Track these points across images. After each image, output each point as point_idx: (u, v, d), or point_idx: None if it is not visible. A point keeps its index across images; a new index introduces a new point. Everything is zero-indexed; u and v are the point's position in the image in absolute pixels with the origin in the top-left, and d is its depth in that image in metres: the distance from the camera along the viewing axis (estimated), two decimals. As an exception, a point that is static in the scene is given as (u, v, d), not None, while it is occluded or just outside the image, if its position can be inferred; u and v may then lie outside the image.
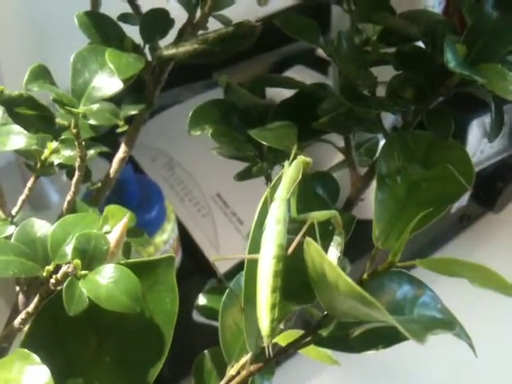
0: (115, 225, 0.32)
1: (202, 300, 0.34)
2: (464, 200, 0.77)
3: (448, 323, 0.26)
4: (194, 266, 0.66)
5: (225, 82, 0.35)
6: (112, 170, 0.35)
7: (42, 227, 0.24)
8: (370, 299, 0.17)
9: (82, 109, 0.27)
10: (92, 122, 0.33)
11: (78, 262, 0.22)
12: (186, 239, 0.67)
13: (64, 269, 0.23)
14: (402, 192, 0.28)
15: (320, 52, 0.86)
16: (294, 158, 0.27)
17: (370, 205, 0.62)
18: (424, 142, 0.30)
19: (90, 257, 0.23)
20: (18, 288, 0.32)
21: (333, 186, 0.32)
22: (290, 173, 0.25)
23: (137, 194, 0.57)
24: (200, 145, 0.71)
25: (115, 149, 0.39)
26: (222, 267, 0.65)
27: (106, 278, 0.22)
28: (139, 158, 0.72)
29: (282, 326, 0.32)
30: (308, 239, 0.20)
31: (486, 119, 0.73)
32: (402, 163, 0.28)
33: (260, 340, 0.26)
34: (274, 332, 0.23)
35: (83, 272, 0.22)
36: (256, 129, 0.31)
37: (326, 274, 0.19)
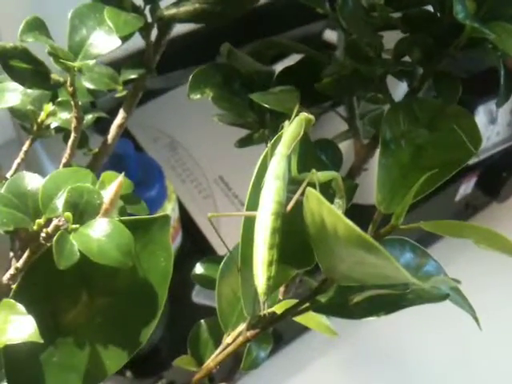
0: (113, 190, 0.31)
1: (199, 269, 0.33)
2: (469, 188, 0.76)
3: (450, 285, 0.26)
4: (195, 248, 0.65)
5: (227, 49, 0.34)
6: (110, 137, 0.34)
7: (32, 180, 0.23)
8: (373, 242, 0.16)
9: (77, 63, 0.26)
10: (90, 85, 0.32)
11: (68, 215, 0.22)
12: (187, 221, 0.66)
13: (55, 222, 0.22)
14: (406, 156, 0.27)
15: (326, 36, 0.85)
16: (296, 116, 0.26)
17: (372, 189, 0.61)
18: (430, 108, 0.29)
19: (82, 211, 0.22)
20: (11, 254, 0.32)
21: (335, 154, 0.31)
22: (291, 129, 0.24)
23: (137, 171, 0.56)
24: (202, 126, 0.70)
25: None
26: (224, 250, 0.64)
27: (98, 232, 0.21)
28: (141, 139, 0.71)
29: (280, 297, 0.31)
30: (309, 189, 0.19)
31: (493, 105, 0.72)
32: (406, 127, 0.27)
33: (257, 305, 0.26)
34: (270, 290, 0.22)
35: (74, 226, 0.22)
36: (258, 93, 0.30)
37: (324, 223, 0.18)
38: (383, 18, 0.30)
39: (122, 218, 0.23)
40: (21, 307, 0.19)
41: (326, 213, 0.18)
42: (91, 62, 0.27)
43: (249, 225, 0.24)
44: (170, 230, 0.62)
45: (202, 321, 0.32)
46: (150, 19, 0.32)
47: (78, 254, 0.21)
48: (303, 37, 0.84)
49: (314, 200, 0.19)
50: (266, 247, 0.22)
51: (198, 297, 0.61)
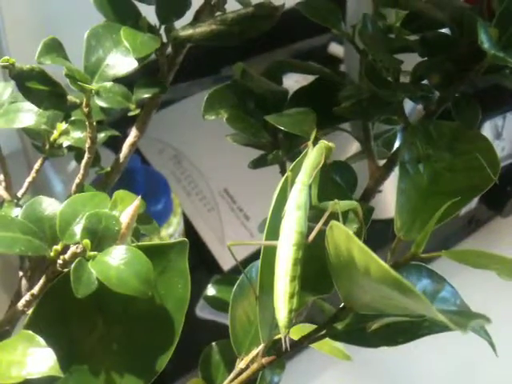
0: (124, 210, 0.31)
1: (211, 291, 0.32)
2: (473, 203, 0.76)
3: (480, 316, 0.25)
4: (199, 261, 0.65)
5: (240, 69, 0.34)
6: (122, 155, 0.34)
7: (50, 205, 0.23)
8: (409, 285, 0.16)
9: (94, 85, 0.26)
10: (103, 104, 0.32)
11: (87, 242, 0.21)
12: (191, 234, 0.65)
13: (73, 249, 0.22)
14: (425, 181, 0.27)
15: (331, 50, 0.85)
16: (313, 144, 0.26)
17: (384, 204, 0.61)
18: (447, 131, 0.29)
19: (100, 237, 0.22)
20: (21, 273, 0.31)
21: (350, 176, 0.31)
22: (312, 157, 0.24)
23: (143, 185, 0.56)
24: (208, 139, 0.70)
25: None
26: (228, 264, 0.64)
27: (117, 260, 0.21)
28: (146, 151, 0.71)
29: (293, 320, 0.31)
30: (333, 222, 0.19)
31: (499, 121, 0.72)
32: (424, 151, 0.27)
33: (273, 331, 0.25)
34: (291, 323, 0.22)
35: (92, 253, 0.21)
36: (273, 114, 0.30)
37: (353, 259, 0.18)
38: (400, 41, 0.30)
39: (139, 244, 0.23)
40: (40, 339, 0.19)
41: (357, 251, 0.17)
42: (109, 85, 0.27)
43: (268, 253, 0.23)
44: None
45: (214, 343, 0.31)
46: (164, 38, 0.32)
47: (96, 282, 0.21)
48: (308, 50, 0.84)
49: (341, 235, 0.18)
50: (288, 279, 0.22)
51: (203, 311, 0.60)
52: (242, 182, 0.66)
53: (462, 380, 0.66)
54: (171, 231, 0.59)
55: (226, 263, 0.64)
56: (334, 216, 0.24)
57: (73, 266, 0.21)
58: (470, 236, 0.80)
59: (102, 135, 0.34)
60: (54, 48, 0.26)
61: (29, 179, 0.31)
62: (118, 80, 0.30)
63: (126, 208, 0.31)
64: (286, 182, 0.24)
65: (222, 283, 0.33)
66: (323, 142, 0.24)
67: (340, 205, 0.23)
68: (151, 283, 0.21)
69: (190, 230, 0.66)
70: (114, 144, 0.36)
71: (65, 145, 0.32)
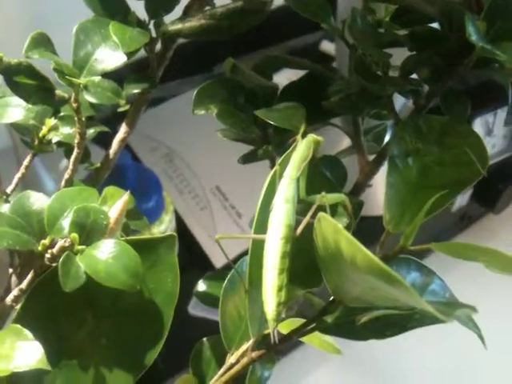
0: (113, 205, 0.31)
1: (201, 286, 0.32)
2: (465, 199, 0.76)
3: (467, 306, 0.25)
4: (191, 259, 0.65)
5: (231, 64, 0.34)
6: (111, 151, 0.34)
7: (38, 200, 0.23)
8: (394, 275, 0.16)
9: (83, 80, 0.26)
10: (93, 99, 0.32)
11: (75, 236, 0.21)
12: (183, 231, 0.65)
13: (60, 243, 0.22)
14: (414, 175, 0.27)
15: (323, 47, 0.85)
16: (304, 137, 0.26)
17: (375, 200, 0.61)
18: (437, 126, 0.29)
19: (89, 231, 0.22)
20: (11, 270, 0.31)
21: (340, 171, 0.31)
22: (300, 151, 0.24)
23: (134, 182, 0.56)
24: (200, 137, 0.70)
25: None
26: (220, 261, 0.64)
27: (105, 253, 0.21)
28: (138, 149, 0.71)
29: (283, 315, 0.31)
30: (322, 214, 0.19)
31: (490, 118, 0.73)
32: (414, 145, 0.27)
33: (263, 326, 0.25)
34: (279, 316, 0.22)
35: (80, 247, 0.21)
36: (263, 109, 0.30)
37: (341, 250, 0.18)
38: (389, 35, 0.30)
39: (128, 238, 0.23)
40: (28, 333, 0.19)
41: (345, 242, 0.17)
42: (97, 79, 0.26)
43: (257, 246, 0.23)
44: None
45: (205, 339, 0.31)
46: (154, 33, 0.32)
47: (85, 276, 0.21)
48: (300, 48, 0.84)
49: (328, 227, 0.18)
50: (276, 272, 0.22)
51: (195, 309, 0.60)
52: (234, 180, 0.66)
53: (452, 373, 0.66)
54: (163, 228, 0.59)
55: (218, 261, 0.64)
56: (322, 209, 0.24)
57: (61, 259, 0.21)
58: (462, 232, 0.81)
59: (91, 131, 0.33)
60: (42, 42, 0.25)
61: (18, 175, 0.31)
62: (107, 76, 0.29)
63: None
64: (275, 176, 0.24)
65: (213, 279, 0.33)
66: (311, 136, 0.24)
67: (328, 198, 0.23)
68: (139, 277, 0.21)
69: (182, 227, 0.65)
70: (104, 140, 0.36)
71: (54, 140, 0.32)
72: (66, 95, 0.27)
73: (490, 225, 0.81)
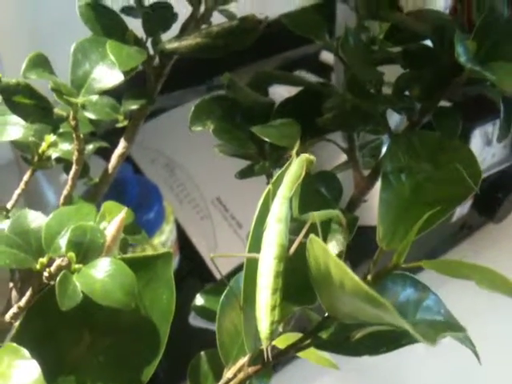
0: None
1: (199, 300, 0.33)
2: (465, 209, 0.76)
3: (456, 326, 0.26)
4: (192, 269, 0.65)
5: (227, 79, 0.35)
6: (110, 166, 0.34)
7: (36, 219, 0.23)
8: (379, 299, 0.16)
9: (80, 99, 0.27)
10: (91, 116, 0.32)
11: (72, 255, 0.22)
12: (184, 242, 0.66)
13: (58, 262, 0.22)
14: (407, 191, 0.27)
15: (323, 57, 0.85)
16: (297, 156, 0.26)
17: (373, 210, 0.61)
18: (430, 142, 0.29)
19: (85, 250, 0.22)
20: (11, 285, 0.31)
21: (336, 186, 0.31)
22: (292, 170, 0.24)
23: (136, 194, 0.56)
24: (200, 147, 0.70)
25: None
26: (221, 270, 0.64)
27: (102, 272, 0.21)
28: (139, 160, 0.72)
29: (280, 329, 0.31)
30: (312, 236, 0.20)
31: (489, 128, 0.73)
32: (407, 162, 0.27)
33: (258, 342, 0.26)
34: (273, 335, 0.22)
35: (77, 266, 0.22)
36: (258, 126, 0.30)
37: (330, 273, 0.18)
38: (383, 53, 0.30)
39: (124, 256, 0.24)
40: (25, 352, 0.19)
41: (333, 265, 0.18)
42: (94, 98, 0.27)
43: (251, 265, 0.24)
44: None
45: (202, 353, 0.32)
46: (151, 51, 0.32)
47: (81, 295, 0.21)
48: (300, 58, 0.85)
49: (319, 249, 0.19)
50: (270, 292, 0.22)
51: (196, 320, 0.61)
52: (235, 191, 0.66)
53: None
54: (164, 239, 0.59)
55: (218, 273, 0.64)
56: (316, 227, 0.25)
57: (58, 278, 0.21)
58: (462, 242, 0.81)
59: (90, 147, 0.34)
60: (40, 63, 0.26)
61: (18, 191, 0.32)
62: (106, 91, 0.30)
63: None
64: (268, 195, 0.24)
65: (211, 293, 0.33)
66: (304, 155, 0.25)
67: (319, 215, 0.23)
68: (135, 295, 0.21)
69: (182, 238, 0.66)
70: (108, 154, 0.37)
71: (53, 157, 0.32)
72: (65, 113, 0.27)
73: (490, 234, 0.81)
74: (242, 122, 0.33)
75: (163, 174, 0.70)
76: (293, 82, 0.34)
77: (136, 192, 0.56)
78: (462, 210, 0.76)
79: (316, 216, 0.23)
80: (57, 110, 0.27)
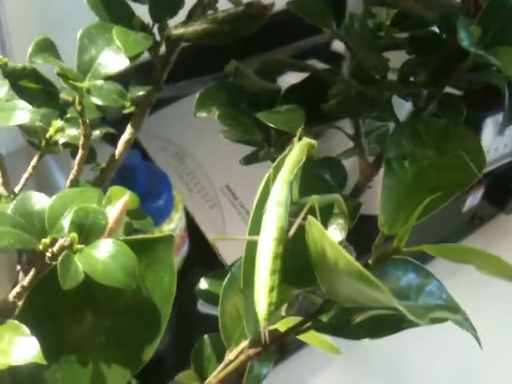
0: (118, 206, 0.31)
1: (203, 284, 0.33)
2: (476, 199, 0.76)
3: (452, 308, 0.26)
4: (201, 257, 0.65)
5: (234, 67, 0.35)
6: (117, 152, 0.34)
7: (40, 200, 0.23)
8: (372, 278, 0.16)
9: (86, 83, 0.27)
10: (98, 101, 0.33)
11: (74, 235, 0.22)
12: (193, 230, 0.66)
13: (60, 242, 0.22)
14: (410, 177, 0.27)
15: (334, 47, 0.85)
16: (300, 141, 0.26)
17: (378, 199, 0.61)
18: (436, 129, 0.29)
19: (88, 231, 0.22)
20: (18, 267, 0.32)
21: (340, 172, 0.31)
22: (293, 154, 0.24)
23: (144, 181, 0.56)
24: (210, 136, 0.71)
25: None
26: (230, 256, 0.64)
27: (103, 253, 0.22)
28: (149, 148, 0.72)
29: (283, 313, 0.32)
30: (310, 218, 0.20)
31: (501, 117, 0.72)
32: (411, 149, 0.27)
33: (258, 324, 0.26)
34: (271, 316, 0.22)
35: (79, 246, 0.22)
36: (263, 112, 0.30)
37: (326, 254, 0.18)
38: (389, 39, 0.30)
39: (126, 237, 0.24)
40: (25, 329, 0.20)
41: (328, 246, 0.18)
42: (99, 83, 0.27)
43: (251, 247, 0.24)
44: (177, 240, 0.63)
45: (206, 336, 0.32)
46: (158, 37, 0.32)
47: (83, 274, 0.21)
48: (311, 47, 0.85)
49: (316, 230, 0.19)
50: (268, 273, 0.22)
51: (204, 306, 0.61)
52: (244, 179, 0.66)
53: (459, 377, 0.66)
54: (173, 227, 0.60)
55: (228, 259, 0.64)
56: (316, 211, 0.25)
57: (60, 258, 0.21)
58: (474, 232, 0.80)
59: (97, 132, 0.34)
60: (46, 47, 0.26)
61: (26, 175, 0.32)
62: (113, 78, 0.30)
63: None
64: (269, 179, 0.24)
65: (215, 277, 0.33)
66: (305, 140, 0.25)
67: (320, 199, 0.23)
68: (136, 276, 0.22)
69: (192, 226, 0.66)
70: (116, 140, 0.37)
71: (61, 142, 0.33)
72: (71, 98, 0.27)
73: (501, 225, 0.81)
74: (248, 108, 0.33)
75: (173, 163, 0.70)
76: (300, 68, 0.34)
77: (145, 179, 0.56)
78: (472, 200, 0.75)
79: (316, 200, 0.23)
80: (63, 95, 0.27)
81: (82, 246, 0.22)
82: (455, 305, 0.28)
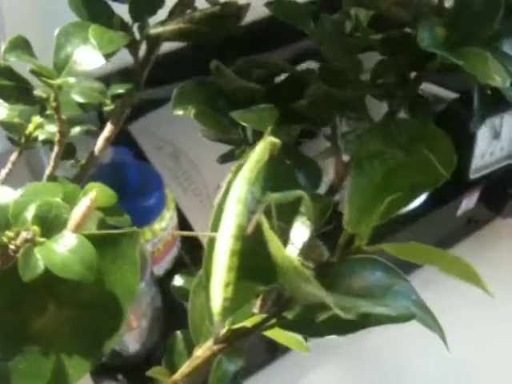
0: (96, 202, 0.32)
1: (177, 281, 0.33)
2: (471, 202, 0.76)
3: (420, 308, 0.26)
4: (193, 257, 0.66)
5: (215, 66, 0.35)
6: (96, 149, 0.35)
7: (5, 194, 0.24)
8: (304, 271, 0.16)
9: (58, 81, 0.27)
10: (79, 99, 0.33)
11: (36, 228, 0.22)
12: (186, 229, 0.66)
13: (23, 235, 0.23)
14: (379, 178, 0.27)
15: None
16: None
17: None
18: (408, 129, 0.29)
19: (50, 225, 0.23)
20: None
21: (314, 172, 0.32)
22: (255, 153, 0.25)
23: (135, 179, 0.57)
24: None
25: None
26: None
27: (63, 246, 0.22)
28: (146, 148, 0.73)
29: (256, 311, 0.32)
30: (262, 219, 0.20)
31: (496, 121, 0.72)
32: (380, 149, 0.28)
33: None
34: (226, 312, 0.23)
35: (41, 239, 0.22)
36: (238, 111, 0.31)
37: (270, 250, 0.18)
38: (364, 40, 0.30)
39: (91, 232, 0.24)
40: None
41: (270, 243, 0.18)
42: (71, 80, 0.28)
43: (212, 244, 0.24)
44: (168, 239, 0.63)
45: (178, 332, 0.32)
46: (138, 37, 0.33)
47: (42, 267, 0.22)
48: (309, 49, 0.85)
49: (265, 228, 0.19)
50: (224, 269, 0.23)
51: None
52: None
53: (450, 379, 0.66)
54: (164, 225, 0.60)
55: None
56: (283, 209, 0.25)
57: (21, 251, 0.22)
58: (470, 235, 0.80)
59: (77, 129, 0.35)
60: (19, 45, 0.27)
61: (5, 171, 0.33)
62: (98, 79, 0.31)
63: (99, 199, 0.32)
64: (232, 178, 0.24)
65: (189, 274, 0.34)
66: (268, 138, 0.25)
67: (282, 196, 0.24)
68: (94, 269, 0.22)
69: (185, 225, 0.67)
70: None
71: (40, 138, 0.33)
72: (44, 95, 0.28)
73: (498, 229, 0.80)
74: (226, 107, 0.33)
75: (168, 162, 0.71)
76: (275, 68, 0.34)
77: (136, 177, 0.57)
78: (468, 203, 0.75)
79: (275, 197, 0.23)
80: (36, 92, 0.28)
81: (44, 239, 0.22)
82: (423, 305, 0.28)
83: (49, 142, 0.34)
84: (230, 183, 0.25)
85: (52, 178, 0.31)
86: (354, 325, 0.26)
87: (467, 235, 0.79)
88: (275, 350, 0.66)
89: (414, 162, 0.28)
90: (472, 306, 0.69)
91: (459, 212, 0.75)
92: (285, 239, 0.25)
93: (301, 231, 0.26)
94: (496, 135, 0.71)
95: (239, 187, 0.24)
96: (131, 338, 0.57)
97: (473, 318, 0.69)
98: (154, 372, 0.31)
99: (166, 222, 0.60)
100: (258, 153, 0.24)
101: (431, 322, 0.28)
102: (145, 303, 0.57)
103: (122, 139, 0.68)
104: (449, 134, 0.74)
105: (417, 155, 0.28)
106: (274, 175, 0.27)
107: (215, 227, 0.24)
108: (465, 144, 0.71)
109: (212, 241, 0.24)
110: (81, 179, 0.35)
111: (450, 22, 0.26)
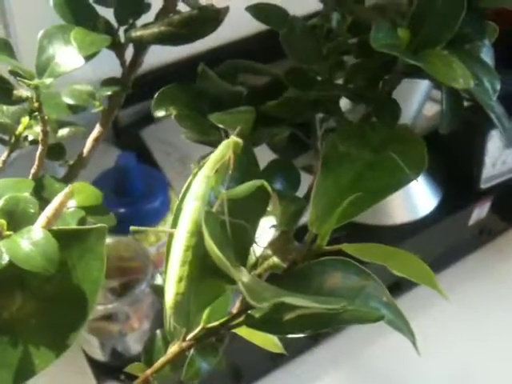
0: (81, 201, 0.33)
1: (159, 279, 0.34)
2: (483, 212, 0.74)
3: (391, 310, 0.26)
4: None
5: (201, 69, 0.36)
6: (85, 149, 0.36)
7: (-23, 189, 0.25)
8: (233, 271, 0.17)
9: (35, 81, 0.28)
10: (69, 101, 0.34)
11: (3, 222, 0.23)
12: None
13: (-10, 228, 0.24)
14: (345, 179, 0.27)
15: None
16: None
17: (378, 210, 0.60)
18: (381, 131, 0.29)
19: (17, 219, 0.24)
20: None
21: (292, 175, 0.32)
22: (216, 152, 0.25)
23: (140, 183, 0.58)
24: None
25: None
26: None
27: (27, 240, 0.23)
28: (156, 153, 0.74)
29: (234, 311, 0.32)
30: (199, 218, 0.21)
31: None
32: (349, 150, 0.28)
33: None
34: (179, 306, 0.23)
35: (8, 232, 0.23)
36: (216, 113, 0.31)
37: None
38: (340, 43, 0.31)
39: (59, 228, 0.25)
40: None
41: (205, 242, 0.19)
42: (48, 81, 0.29)
43: (171, 242, 0.25)
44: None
45: (158, 330, 0.33)
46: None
47: (7, 259, 0.23)
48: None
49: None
50: (178, 264, 0.23)
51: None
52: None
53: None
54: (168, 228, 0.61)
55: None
56: (245, 204, 0.25)
57: (-14, 244, 0.23)
58: (483, 246, 0.79)
59: (66, 130, 0.36)
60: (0, 47, 0.28)
61: (-5, 170, 0.34)
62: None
63: (84, 199, 0.33)
64: (193, 177, 0.25)
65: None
66: (231, 138, 0.25)
67: (233, 192, 0.24)
68: (56, 262, 0.23)
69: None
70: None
71: (30, 138, 0.34)
72: (24, 95, 0.29)
73: (510, 240, 0.79)
74: (210, 110, 0.34)
75: (177, 167, 0.72)
76: (259, 71, 0.34)
77: (140, 181, 0.58)
78: (479, 213, 0.74)
79: (229, 193, 0.24)
80: (16, 92, 0.29)
81: (10, 232, 0.23)
82: (395, 307, 0.28)
83: (37, 143, 0.35)
84: (190, 182, 0.25)
85: (37, 177, 0.32)
86: (320, 324, 0.27)
87: (480, 246, 0.78)
88: (274, 362, 0.66)
89: (381, 163, 0.28)
90: (482, 318, 0.68)
91: (471, 222, 0.74)
92: (248, 238, 0.25)
93: (266, 231, 0.27)
94: (509, 144, 0.70)
95: (198, 184, 0.24)
96: (133, 339, 0.58)
97: (481, 330, 0.68)
98: (131, 368, 0.31)
99: (169, 225, 0.61)
100: (218, 152, 0.25)
101: (401, 325, 0.28)
102: (146, 305, 0.57)
103: (134, 145, 0.70)
104: (459, 143, 0.74)
105: (383, 156, 0.28)
106: (242, 175, 0.28)
107: (175, 224, 0.25)
108: (475, 153, 0.70)
109: (171, 237, 0.24)
110: (70, 179, 0.36)
111: (413, 24, 0.26)
